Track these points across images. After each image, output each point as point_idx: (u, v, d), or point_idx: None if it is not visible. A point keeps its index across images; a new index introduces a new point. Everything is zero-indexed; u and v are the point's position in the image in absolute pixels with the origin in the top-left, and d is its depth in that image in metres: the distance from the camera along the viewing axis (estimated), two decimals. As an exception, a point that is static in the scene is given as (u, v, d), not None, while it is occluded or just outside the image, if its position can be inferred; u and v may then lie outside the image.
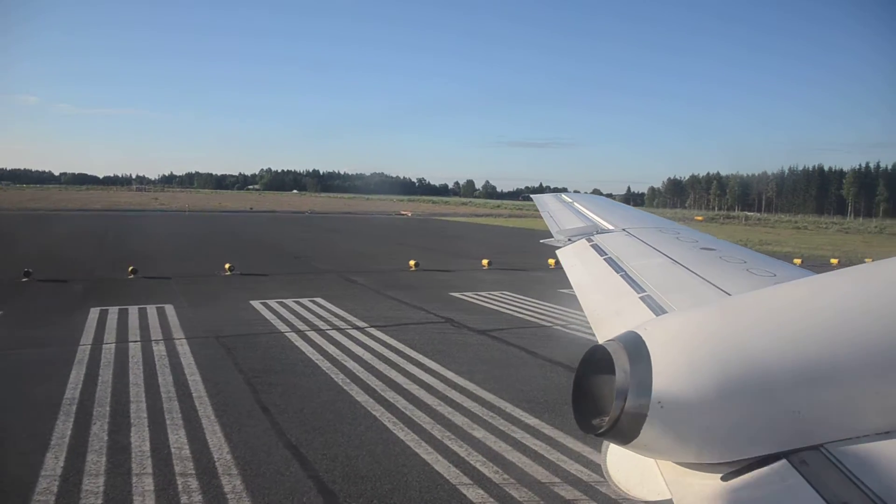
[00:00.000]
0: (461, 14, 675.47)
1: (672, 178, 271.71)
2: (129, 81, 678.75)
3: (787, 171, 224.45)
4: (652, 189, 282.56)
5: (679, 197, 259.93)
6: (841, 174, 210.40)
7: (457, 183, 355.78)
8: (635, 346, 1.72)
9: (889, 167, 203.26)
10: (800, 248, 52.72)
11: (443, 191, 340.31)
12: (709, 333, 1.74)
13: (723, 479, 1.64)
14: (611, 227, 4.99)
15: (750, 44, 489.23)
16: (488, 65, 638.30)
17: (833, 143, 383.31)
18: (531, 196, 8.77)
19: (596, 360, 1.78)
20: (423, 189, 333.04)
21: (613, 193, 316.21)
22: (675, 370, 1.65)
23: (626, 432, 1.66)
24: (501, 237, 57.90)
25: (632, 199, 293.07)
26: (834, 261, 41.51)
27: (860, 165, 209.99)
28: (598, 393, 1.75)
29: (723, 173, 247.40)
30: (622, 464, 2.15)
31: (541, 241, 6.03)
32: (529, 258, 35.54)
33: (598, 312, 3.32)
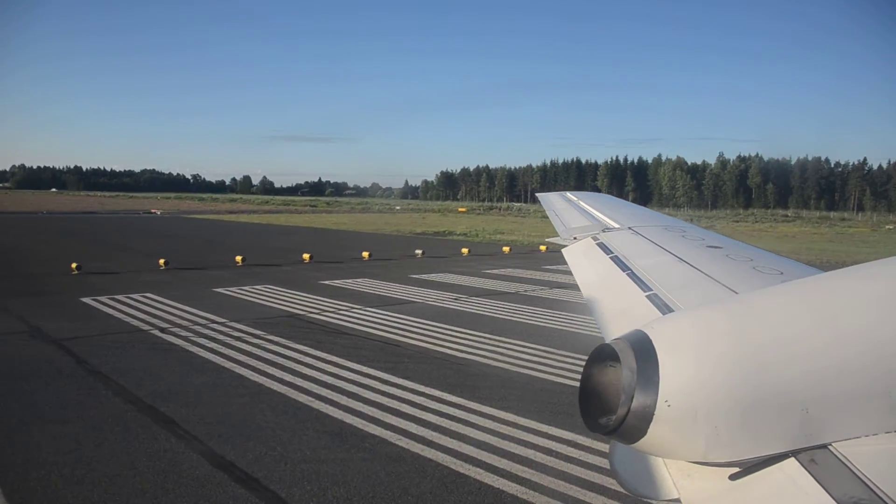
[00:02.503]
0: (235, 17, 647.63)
1: (444, 171, 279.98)
2: None
3: (549, 164, 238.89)
4: (425, 182, 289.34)
5: (451, 189, 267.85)
6: (596, 166, 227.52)
7: (234, 179, 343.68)
8: (642, 345, 1.66)
9: (635, 160, 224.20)
10: (529, 235, 55.82)
11: (219, 187, 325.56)
12: (716, 332, 1.67)
13: (731, 478, 1.61)
14: (616, 226, 4.83)
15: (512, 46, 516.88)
16: (270, 59, 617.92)
17: (590, 138, 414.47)
18: (537, 195, 8.14)
19: (603, 359, 1.72)
20: (197, 186, 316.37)
21: (392, 187, 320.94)
22: (682, 369, 1.59)
23: (633, 431, 1.62)
24: (222, 234, 55.58)
25: (409, 192, 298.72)
26: (542, 247, 43.99)
27: (612, 158, 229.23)
28: (604, 392, 1.67)
29: (492, 166, 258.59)
30: (629, 463, 2.10)
31: (546, 239, 5.98)
32: (222, 255, 34.02)
33: (605, 311, 3.24)
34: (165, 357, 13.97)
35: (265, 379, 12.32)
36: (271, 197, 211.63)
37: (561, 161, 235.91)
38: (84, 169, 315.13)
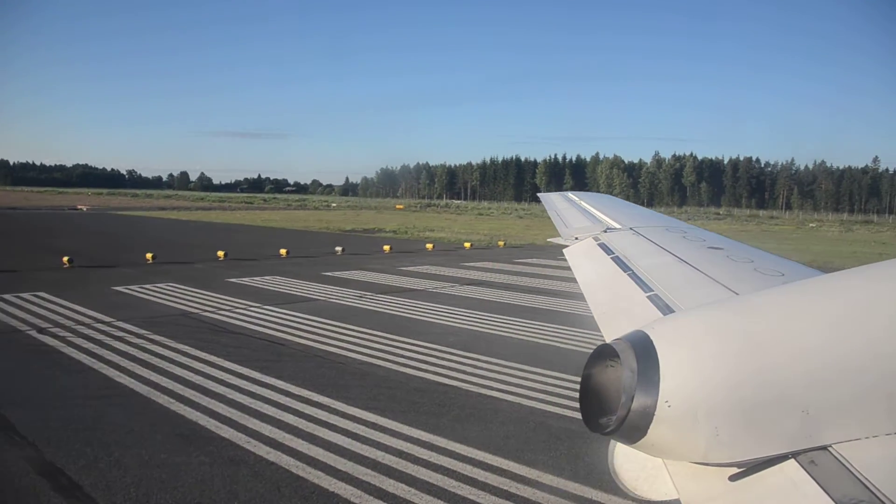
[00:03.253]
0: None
1: (384, 167, 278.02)
2: None
3: (488, 161, 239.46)
4: (365, 179, 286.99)
5: (391, 186, 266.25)
6: (535, 164, 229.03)
7: (171, 175, 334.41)
8: (643, 346, 1.64)
9: (574, 158, 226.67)
10: (459, 232, 55.73)
11: (156, 183, 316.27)
12: (717, 333, 1.66)
13: (730, 479, 1.59)
14: (618, 226, 4.80)
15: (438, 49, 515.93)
16: (207, 51, 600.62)
17: (530, 136, 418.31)
18: (538, 195, 8.00)
19: (603, 359, 1.69)
20: (133, 182, 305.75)
21: (333, 184, 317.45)
22: (682, 369, 1.58)
23: (633, 432, 1.59)
24: (144, 231, 53.94)
25: (350, 189, 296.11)
26: (467, 244, 43.99)
27: (551, 156, 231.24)
28: (605, 392, 1.66)
29: (431, 163, 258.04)
30: (629, 463, 2.07)
31: (548, 239, 5.78)
32: (136, 253, 32.85)
33: (605, 311, 3.20)
34: (33, 358, 13.27)
35: (131, 380, 11.80)
36: (207, 194, 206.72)
37: (500, 159, 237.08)
38: (11, 163, 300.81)
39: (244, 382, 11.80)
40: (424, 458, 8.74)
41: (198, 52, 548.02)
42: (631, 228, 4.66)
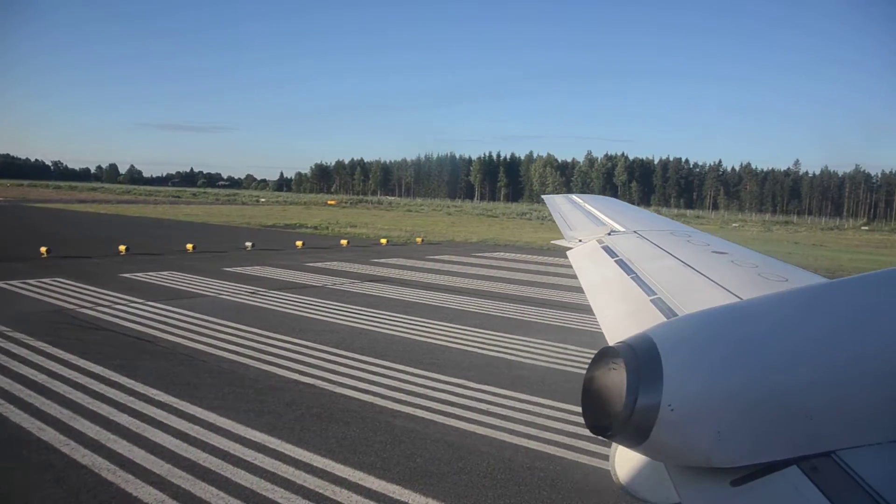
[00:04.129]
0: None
1: (319, 163, 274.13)
2: None
3: (423, 158, 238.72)
4: (299, 174, 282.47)
5: (326, 182, 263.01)
6: (469, 162, 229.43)
7: (100, 167, 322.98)
8: (646, 349, 1.61)
9: (508, 157, 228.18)
10: (381, 228, 55.07)
11: (83, 176, 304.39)
12: (720, 337, 1.64)
13: (732, 484, 1.56)
14: (622, 229, 4.78)
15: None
16: (145, 44, 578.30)
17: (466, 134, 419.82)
18: (542, 197, 7.96)
19: (606, 362, 1.65)
20: (58, 174, 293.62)
21: (267, 179, 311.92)
22: (685, 373, 1.56)
23: (635, 435, 1.57)
24: (53, 224, 51.87)
25: (284, 184, 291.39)
26: (384, 241, 43.42)
27: (485, 154, 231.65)
28: (607, 395, 1.61)
29: (366, 159, 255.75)
30: (631, 467, 2.05)
31: (551, 241, 5.59)
32: (33, 246, 31.40)
33: (609, 314, 3.19)
34: None
35: (-32, 380, 11.08)
36: (135, 187, 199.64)
37: (435, 156, 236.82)
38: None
39: (92, 382, 11.22)
40: (248, 459, 8.40)
41: (133, 42, 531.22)
42: (635, 232, 4.65)
